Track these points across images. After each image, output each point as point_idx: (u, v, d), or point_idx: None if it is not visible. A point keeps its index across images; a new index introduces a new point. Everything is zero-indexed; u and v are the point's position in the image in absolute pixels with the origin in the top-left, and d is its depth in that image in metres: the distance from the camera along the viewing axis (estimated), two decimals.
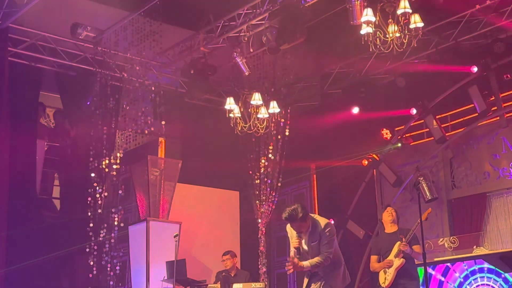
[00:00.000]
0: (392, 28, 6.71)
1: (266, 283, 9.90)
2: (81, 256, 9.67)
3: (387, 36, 6.68)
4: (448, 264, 9.12)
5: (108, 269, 9.66)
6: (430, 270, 8.79)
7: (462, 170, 10.26)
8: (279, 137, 10.54)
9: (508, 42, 9.22)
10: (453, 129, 10.36)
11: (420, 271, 8.02)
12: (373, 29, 6.60)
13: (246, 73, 9.69)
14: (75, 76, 10.44)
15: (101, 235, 9.62)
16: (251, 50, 9.57)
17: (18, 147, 9.55)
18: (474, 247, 9.11)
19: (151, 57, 10.00)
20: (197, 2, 9.14)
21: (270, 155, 10.64)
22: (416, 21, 6.62)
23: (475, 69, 9.67)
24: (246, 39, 9.35)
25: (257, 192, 10.77)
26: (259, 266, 10.62)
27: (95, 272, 9.53)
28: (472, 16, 9.27)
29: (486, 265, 8.57)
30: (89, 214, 9.61)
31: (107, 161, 9.82)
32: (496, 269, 8.05)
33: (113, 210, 9.82)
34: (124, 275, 10.44)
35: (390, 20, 6.73)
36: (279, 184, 10.75)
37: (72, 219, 9.77)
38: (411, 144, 10.79)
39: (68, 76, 10.46)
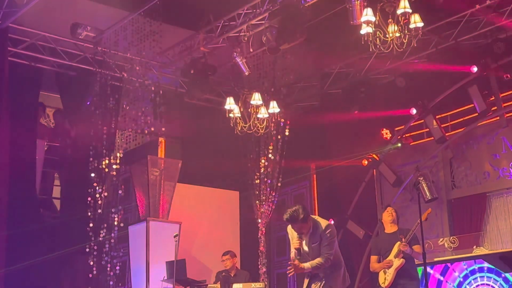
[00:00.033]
0: (392, 28, 6.70)
1: (266, 283, 9.90)
2: (81, 256, 9.67)
3: (387, 36, 6.68)
4: (447, 263, 9.12)
5: (108, 269, 9.66)
6: (428, 270, 8.78)
7: (462, 170, 10.26)
8: (279, 137, 10.54)
9: (508, 42, 9.22)
10: (453, 129, 10.36)
11: (420, 271, 8.02)
12: (373, 29, 6.59)
13: (246, 73, 9.69)
14: (75, 76, 10.44)
15: (101, 235, 9.62)
16: (251, 50, 9.57)
17: (18, 147, 9.55)
18: (474, 247, 9.10)
19: (151, 57, 10.00)
20: (197, 2, 9.14)
21: (270, 155, 10.63)
22: (416, 21, 6.61)
23: (475, 69, 9.66)
24: (246, 39, 9.35)
25: (257, 192, 10.77)
26: (259, 266, 10.62)
27: (95, 272, 9.53)
28: (472, 16, 9.27)
29: (486, 265, 8.57)
30: (89, 214, 9.61)
31: (107, 161, 9.82)
32: (496, 268, 8.04)
33: (113, 210, 9.82)
34: (124, 275, 10.45)
35: (390, 20, 6.73)
36: (279, 184, 10.75)
37: (72, 219, 9.76)
38: (411, 144, 10.79)
39: (68, 76, 10.46)
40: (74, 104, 10.48)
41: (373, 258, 7.90)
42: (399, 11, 6.56)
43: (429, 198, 9.91)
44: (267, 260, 10.80)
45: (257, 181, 10.76)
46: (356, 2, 7.57)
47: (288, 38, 8.48)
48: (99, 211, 9.65)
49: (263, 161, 10.67)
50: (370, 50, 6.73)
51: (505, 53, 9.23)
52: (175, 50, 10.37)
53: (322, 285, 6.04)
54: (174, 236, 8.01)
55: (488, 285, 8.60)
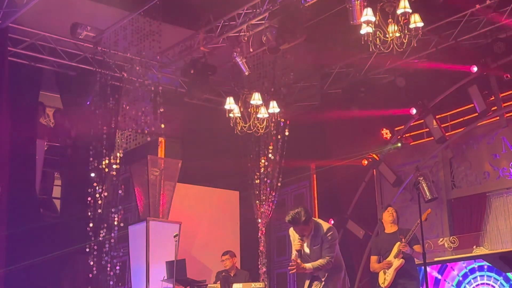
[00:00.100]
0: (392, 28, 6.71)
1: (266, 283, 9.90)
2: (81, 256, 9.68)
3: (387, 36, 6.68)
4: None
5: (108, 269, 9.67)
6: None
7: (462, 170, 10.26)
8: (279, 137, 10.54)
9: (508, 41, 9.22)
10: (453, 129, 10.36)
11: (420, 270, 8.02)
12: (373, 29, 6.60)
13: (246, 73, 9.69)
14: (75, 76, 10.43)
15: (101, 235, 9.62)
16: (251, 50, 9.57)
17: (18, 146, 9.54)
18: (474, 247, 9.10)
19: (151, 56, 10.00)
20: (197, 2, 9.14)
21: (270, 155, 10.63)
22: (416, 21, 6.62)
23: (475, 68, 9.66)
24: (246, 38, 9.35)
25: (257, 192, 10.77)
26: (259, 266, 10.62)
27: (95, 272, 9.53)
28: (472, 15, 9.27)
29: (485, 263, 8.55)
30: (89, 214, 9.61)
31: (107, 161, 9.82)
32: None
33: (113, 210, 9.82)
34: (124, 275, 10.44)
35: (390, 20, 6.73)
36: (279, 184, 10.75)
37: (72, 219, 9.76)
38: (411, 144, 10.79)
39: (68, 76, 10.46)
40: (74, 104, 10.47)
41: (373, 258, 7.90)
42: (399, 11, 6.56)
43: (429, 198, 9.92)
44: (267, 260, 10.80)
45: (257, 181, 10.76)
46: (356, 2, 7.57)
47: (288, 38, 8.48)
48: (99, 211, 9.65)
49: (263, 161, 10.67)
50: (370, 50, 6.73)
51: (505, 53, 9.23)
52: (175, 50, 10.37)
53: (322, 286, 6.05)
54: (174, 236, 8.01)
55: (488, 284, 8.58)
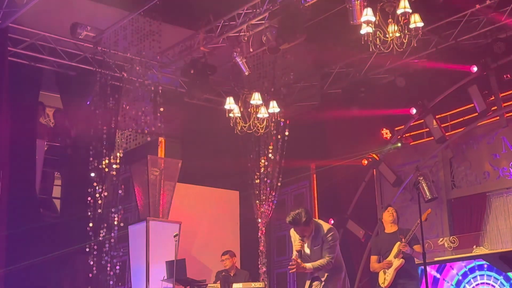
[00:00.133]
0: (392, 28, 6.71)
1: (265, 282, 9.90)
2: (81, 256, 9.67)
3: (387, 36, 6.68)
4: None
5: (108, 268, 9.66)
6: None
7: (462, 170, 10.26)
8: (279, 136, 10.54)
9: (508, 42, 9.22)
10: (453, 129, 10.36)
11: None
12: (373, 29, 6.60)
13: (246, 73, 9.69)
14: (75, 76, 10.43)
15: (101, 235, 9.62)
16: (251, 50, 9.57)
17: (18, 146, 9.54)
18: (474, 246, 9.10)
19: (151, 56, 10.00)
20: (197, 1, 9.14)
21: (270, 155, 10.64)
22: (416, 21, 6.62)
23: (475, 68, 9.66)
24: (246, 38, 9.35)
25: (257, 192, 10.78)
26: (259, 266, 10.62)
27: (95, 271, 9.53)
28: (472, 15, 9.26)
29: (485, 262, 8.55)
30: (89, 213, 9.60)
31: (107, 161, 9.82)
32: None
33: (113, 210, 9.82)
34: (124, 274, 10.44)
35: (390, 20, 6.73)
36: (279, 184, 10.75)
37: (72, 219, 9.76)
38: (411, 143, 10.80)
39: (68, 75, 10.45)
40: (74, 104, 10.47)
41: (373, 258, 7.91)
42: (399, 11, 6.56)
43: (429, 198, 9.92)
44: (267, 260, 10.80)
45: (257, 181, 10.76)
46: (356, 2, 7.57)
47: (288, 38, 8.48)
48: (99, 210, 9.65)
49: (263, 161, 10.67)
50: (370, 50, 6.74)
51: (505, 53, 9.22)
52: (175, 50, 10.37)
53: (322, 286, 6.06)
54: (174, 236, 8.02)
55: (488, 284, 8.58)
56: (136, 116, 9.96)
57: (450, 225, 10.25)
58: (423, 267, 6.88)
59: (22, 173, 9.71)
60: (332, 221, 10.77)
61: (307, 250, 6.12)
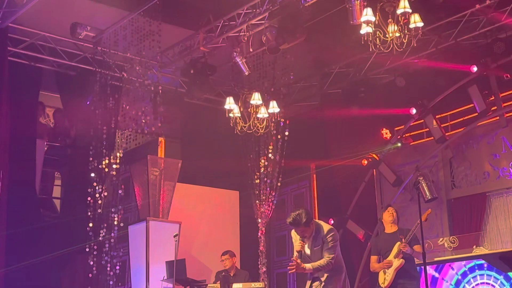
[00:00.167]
0: (392, 27, 6.71)
1: (265, 283, 9.90)
2: (81, 256, 9.67)
3: (387, 35, 6.68)
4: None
5: (108, 268, 9.66)
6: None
7: (462, 170, 10.26)
8: (279, 136, 10.54)
9: (508, 41, 9.22)
10: (453, 129, 10.36)
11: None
12: (373, 28, 6.60)
13: (246, 73, 9.68)
14: (75, 76, 10.44)
15: (101, 235, 9.61)
16: (251, 50, 9.56)
17: (17, 146, 9.55)
18: (474, 246, 9.10)
19: (151, 56, 10.00)
20: (197, 1, 9.16)
21: (270, 155, 10.63)
22: (416, 21, 6.62)
23: (475, 68, 9.65)
24: (245, 38, 9.35)
25: (257, 192, 10.77)
26: (259, 266, 10.62)
27: (95, 271, 9.52)
28: (472, 15, 9.26)
29: (485, 262, 8.55)
30: (89, 213, 9.60)
31: (107, 161, 9.82)
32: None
33: (113, 210, 9.81)
34: (124, 274, 10.44)
35: (390, 19, 6.73)
36: (279, 184, 10.75)
37: (72, 219, 9.76)
38: (410, 144, 10.80)
39: (68, 75, 10.46)
40: (74, 103, 10.47)
41: (373, 258, 7.91)
42: (399, 11, 6.56)
43: (429, 198, 9.91)
44: (267, 260, 10.80)
45: (257, 181, 10.76)
46: (356, 2, 7.57)
47: (288, 38, 8.48)
48: (99, 210, 9.65)
49: (263, 161, 10.66)
50: (370, 50, 6.73)
51: (505, 53, 9.22)
52: (175, 50, 10.37)
53: (322, 287, 6.06)
54: (174, 236, 8.02)
55: (488, 283, 8.58)
56: (136, 116, 9.95)
57: (450, 225, 10.25)
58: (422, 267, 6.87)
59: (22, 173, 9.71)
60: (332, 221, 10.78)
61: (308, 251, 6.14)
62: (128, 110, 10.05)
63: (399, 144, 10.78)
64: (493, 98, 9.73)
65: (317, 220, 6.28)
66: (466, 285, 8.80)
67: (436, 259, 9.23)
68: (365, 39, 6.61)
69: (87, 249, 9.51)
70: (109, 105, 10.05)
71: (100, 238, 9.59)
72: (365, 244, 10.75)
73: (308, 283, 6.22)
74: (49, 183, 11.29)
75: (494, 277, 8.51)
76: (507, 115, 9.68)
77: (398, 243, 7.58)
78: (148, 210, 10.01)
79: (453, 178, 10.40)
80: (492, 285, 8.53)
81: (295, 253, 6.11)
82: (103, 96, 10.02)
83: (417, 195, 6.86)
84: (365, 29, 6.61)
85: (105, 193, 9.76)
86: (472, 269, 8.79)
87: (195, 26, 9.74)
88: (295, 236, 6.22)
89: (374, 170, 11.17)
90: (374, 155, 11.03)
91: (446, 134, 10.29)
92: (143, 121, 9.90)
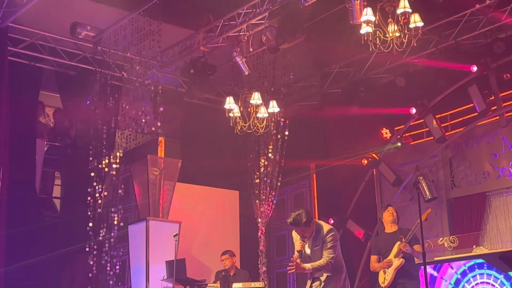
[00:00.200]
0: (392, 27, 6.71)
1: (265, 282, 9.90)
2: (80, 256, 9.67)
3: (387, 35, 6.68)
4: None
5: (108, 268, 9.66)
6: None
7: (462, 169, 10.26)
8: (278, 136, 10.54)
9: (508, 41, 9.21)
10: (453, 129, 10.36)
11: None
12: (373, 28, 6.60)
13: (246, 73, 9.68)
14: (75, 76, 10.44)
15: (101, 235, 9.61)
16: (251, 50, 9.56)
17: (17, 146, 9.55)
18: (474, 246, 9.10)
19: (151, 56, 10.00)
20: (197, 1, 9.15)
21: (269, 155, 10.63)
22: (416, 21, 6.62)
23: (474, 68, 9.66)
24: (245, 38, 9.35)
25: (256, 192, 10.78)
26: (259, 266, 10.62)
27: (94, 271, 9.53)
28: (472, 15, 9.26)
29: (485, 261, 8.54)
30: (89, 213, 9.60)
31: (107, 161, 9.82)
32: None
33: (112, 210, 9.81)
34: (123, 274, 10.44)
35: (390, 19, 6.73)
36: (279, 184, 10.75)
37: (72, 219, 9.76)
38: (410, 143, 10.80)
39: (68, 75, 10.46)
40: (74, 103, 10.46)
41: (373, 258, 7.91)
42: (399, 11, 6.56)
43: (429, 197, 9.91)
44: (266, 260, 10.80)
45: (257, 181, 10.76)
46: (356, 1, 7.57)
47: (288, 37, 8.48)
48: (99, 210, 9.65)
49: (263, 160, 10.67)
50: (370, 49, 6.74)
51: (505, 53, 9.22)
52: (175, 50, 10.36)
53: (321, 287, 6.07)
54: (174, 236, 8.02)
55: (488, 283, 8.57)
56: (136, 116, 9.95)
57: (450, 225, 10.25)
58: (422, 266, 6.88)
59: (22, 172, 9.71)
60: (332, 221, 10.78)
61: (308, 251, 6.16)
62: (128, 109, 10.05)
63: (399, 144, 10.78)
64: (493, 97, 9.73)
65: (317, 220, 6.30)
66: (466, 285, 8.80)
67: (436, 258, 9.23)
68: (365, 39, 6.61)
69: (87, 249, 9.51)
70: (109, 104, 10.05)
71: (100, 238, 9.60)
72: (365, 244, 10.76)
73: (309, 282, 6.23)
74: (49, 182, 11.29)
75: (494, 276, 8.51)
76: (507, 114, 9.68)
77: (398, 242, 7.58)
78: (148, 209, 10.01)
79: (453, 177, 10.40)
80: (492, 285, 8.53)
81: (296, 253, 6.13)
82: (103, 95, 10.02)
83: (417, 194, 6.87)
84: (365, 29, 6.61)
85: (105, 193, 9.76)
86: (471, 268, 8.78)
87: (195, 26, 9.74)
88: (296, 236, 6.24)
89: (374, 169, 11.18)
90: (374, 155, 11.03)
91: (446, 133, 10.29)
92: (143, 121, 9.90)
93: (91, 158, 9.79)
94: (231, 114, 9.19)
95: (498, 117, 9.76)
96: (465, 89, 9.86)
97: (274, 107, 9.43)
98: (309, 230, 6.10)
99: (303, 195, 12.08)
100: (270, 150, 10.62)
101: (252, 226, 10.89)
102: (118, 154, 10.01)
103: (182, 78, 10.95)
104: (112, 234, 9.73)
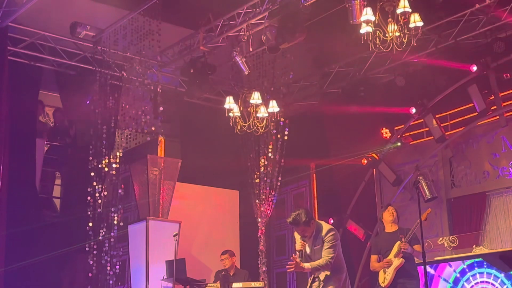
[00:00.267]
0: (391, 27, 6.71)
1: (265, 282, 9.90)
2: (80, 255, 9.67)
3: (387, 35, 6.68)
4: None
5: (108, 268, 9.66)
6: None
7: (462, 169, 10.26)
8: (278, 136, 10.54)
9: (508, 41, 9.21)
10: (453, 128, 10.36)
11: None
12: (373, 28, 6.60)
13: (246, 72, 9.68)
14: (75, 75, 10.43)
15: (101, 234, 9.61)
16: (251, 49, 9.56)
17: (17, 146, 9.54)
18: (474, 246, 9.11)
19: (151, 56, 10.00)
20: (197, 1, 9.15)
21: (269, 154, 10.63)
22: (416, 20, 6.62)
23: (474, 68, 9.65)
24: (245, 38, 9.34)
25: (256, 191, 10.77)
26: (259, 265, 10.62)
27: (94, 271, 9.52)
28: (471, 15, 9.26)
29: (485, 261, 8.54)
30: (89, 213, 9.60)
31: (106, 160, 9.82)
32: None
33: (112, 209, 9.81)
34: (123, 274, 10.44)
35: (389, 19, 6.73)
36: (279, 183, 10.75)
37: (72, 218, 9.76)
38: (410, 143, 10.80)
39: (68, 75, 10.45)
40: (73, 103, 10.46)
41: (373, 257, 7.91)
42: (398, 11, 6.56)
43: (429, 197, 9.91)
44: (266, 259, 10.80)
45: (257, 180, 10.76)
46: (355, 1, 7.57)
47: (288, 37, 8.48)
48: (99, 210, 9.64)
49: (262, 160, 10.67)
50: (370, 49, 6.74)
51: (505, 52, 9.21)
52: (174, 49, 10.36)
53: (321, 287, 6.07)
54: (174, 235, 8.01)
55: (488, 282, 8.57)
56: (135, 116, 9.95)
57: (450, 225, 10.25)
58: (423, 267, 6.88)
59: (22, 172, 9.71)
60: (332, 221, 10.78)
61: (308, 250, 6.17)
62: (128, 109, 10.05)
63: (399, 144, 10.78)
64: (493, 97, 9.73)
65: (318, 220, 6.31)
66: (465, 284, 8.79)
67: (436, 258, 9.24)
68: (365, 38, 6.61)
69: (87, 249, 9.51)
70: (109, 104, 10.05)
71: (100, 238, 9.59)
72: (365, 244, 10.76)
73: (309, 281, 6.23)
74: (49, 182, 11.29)
75: (495, 275, 8.50)
76: (507, 114, 9.68)
77: (398, 242, 7.58)
78: (148, 209, 10.01)
79: (453, 177, 10.40)
80: (492, 284, 8.53)
81: (296, 253, 6.14)
82: (103, 95, 10.02)
83: (417, 194, 6.87)
84: (365, 29, 6.61)
85: (105, 193, 9.76)
86: (471, 267, 8.77)
87: (195, 26, 9.74)
88: (297, 236, 6.25)
89: (374, 169, 11.18)
90: (374, 155, 11.03)
91: (446, 133, 10.29)
92: (143, 120, 9.90)
93: (91, 158, 9.79)
94: (231, 114, 9.19)
95: (498, 117, 9.76)
96: (465, 89, 9.86)
97: (274, 106, 9.43)
98: (309, 230, 6.11)
99: (303, 195, 12.09)
100: (270, 150, 10.61)
101: (252, 225, 10.89)
102: (118, 153, 10.01)
103: (182, 77, 10.94)
104: (112, 234, 9.73)
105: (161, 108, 9.95)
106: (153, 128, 9.97)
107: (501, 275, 8.42)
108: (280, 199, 11.22)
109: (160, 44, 9.46)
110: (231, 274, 9.29)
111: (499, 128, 9.78)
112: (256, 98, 9.23)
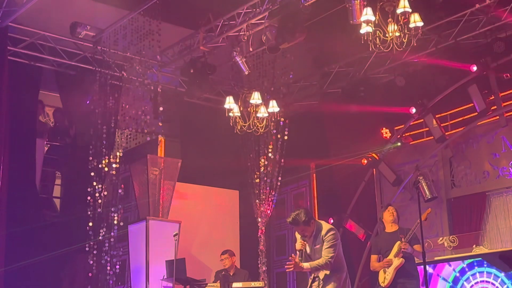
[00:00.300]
0: (391, 27, 6.71)
1: (265, 282, 9.90)
2: (80, 255, 9.67)
3: (387, 35, 6.68)
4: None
5: (108, 268, 9.66)
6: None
7: (462, 169, 10.26)
8: (278, 136, 10.54)
9: (508, 41, 9.21)
10: (453, 128, 10.36)
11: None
12: (373, 28, 6.60)
13: (246, 72, 9.68)
14: (75, 75, 10.43)
15: (101, 234, 9.61)
16: (251, 49, 9.56)
17: (17, 146, 9.55)
18: (474, 246, 9.11)
19: (151, 56, 10.00)
20: (197, 1, 9.15)
21: (269, 154, 10.64)
22: (416, 20, 6.62)
23: (474, 68, 9.65)
24: (245, 38, 9.34)
25: (256, 191, 10.78)
26: (259, 265, 10.62)
27: (94, 271, 9.52)
28: (472, 15, 9.26)
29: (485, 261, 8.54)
30: (89, 213, 9.60)
31: (107, 160, 9.82)
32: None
33: (112, 209, 9.81)
34: (123, 274, 10.44)
35: (389, 19, 6.73)
36: (279, 183, 10.75)
37: (72, 218, 9.76)
38: (410, 143, 10.80)
39: (68, 75, 10.46)
40: (73, 103, 10.46)
41: (373, 257, 7.91)
42: (398, 11, 6.56)
43: (429, 197, 9.90)
44: (266, 259, 10.80)
45: (257, 180, 10.76)
46: (356, 1, 7.57)
47: (288, 37, 8.48)
48: (99, 210, 9.64)
49: (262, 160, 10.67)
50: (370, 49, 6.73)
51: (505, 52, 9.21)
52: (174, 49, 10.37)
53: (321, 287, 6.08)
54: (174, 235, 8.01)
55: (488, 281, 8.56)
56: (135, 116, 9.96)
57: (450, 225, 10.25)
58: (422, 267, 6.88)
59: (22, 172, 9.71)
60: (332, 221, 10.78)
61: (309, 250, 6.17)
62: (128, 109, 10.05)
63: (399, 144, 10.78)
64: (493, 97, 9.73)
65: (318, 220, 6.31)
66: (465, 283, 8.79)
67: (436, 258, 9.23)
68: (365, 38, 6.61)
69: (87, 248, 9.51)
70: (109, 104, 10.05)
71: (100, 238, 9.59)
72: (365, 244, 10.76)
73: (309, 281, 6.24)
74: (49, 182, 11.29)
75: (495, 274, 8.50)
76: (507, 114, 9.68)
77: (398, 242, 7.58)
78: (148, 209, 10.01)
79: (453, 177, 10.40)
80: (493, 283, 8.53)
81: (297, 252, 6.14)
82: (103, 95, 10.02)
83: (417, 194, 6.88)
84: (365, 29, 6.61)
85: (105, 193, 9.76)
86: (471, 266, 8.77)
87: (195, 26, 9.74)
88: (298, 235, 6.26)
89: (374, 169, 11.17)
90: (374, 155, 11.03)
91: (446, 133, 10.29)
92: (143, 120, 9.90)
93: (91, 158, 9.79)
94: (231, 114, 9.19)
95: (498, 117, 9.76)
96: (465, 89, 9.86)
97: (274, 106, 9.43)
98: (309, 230, 6.12)
99: (303, 195, 12.09)
100: (270, 150, 10.62)
101: (252, 225, 10.90)
102: (118, 153, 10.01)
103: (182, 77, 10.95)
104: (112, 233, 9.73)
105: (161, 108, 9.95)
106: (153, 128, 9.97)
107: (501, 275, 8.42)
108: (280, 199, 11.22)
109: (160, 44, 9.46)
110: (231, 274, 9.29)
111: (499, 128, 9.78)
112: (256, 98, 9.23)
